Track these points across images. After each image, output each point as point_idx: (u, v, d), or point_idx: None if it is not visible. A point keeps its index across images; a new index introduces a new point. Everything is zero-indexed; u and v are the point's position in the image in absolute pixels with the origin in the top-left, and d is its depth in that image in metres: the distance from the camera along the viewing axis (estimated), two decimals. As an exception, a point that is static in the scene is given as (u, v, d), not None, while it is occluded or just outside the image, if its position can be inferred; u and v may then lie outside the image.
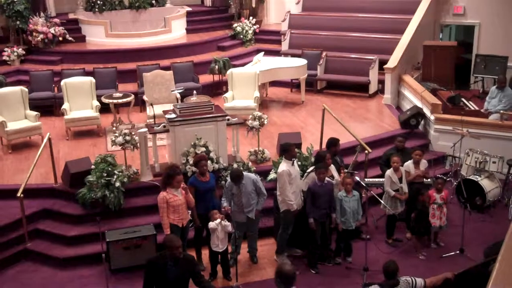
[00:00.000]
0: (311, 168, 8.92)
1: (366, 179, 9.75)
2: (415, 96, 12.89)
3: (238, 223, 8.52)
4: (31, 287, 8.56)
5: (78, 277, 8.73)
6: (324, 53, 15.03)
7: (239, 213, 8.49)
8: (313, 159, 9.50)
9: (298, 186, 8.67)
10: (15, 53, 15.10)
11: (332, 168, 8.90)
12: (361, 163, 10.08)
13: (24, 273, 8.87)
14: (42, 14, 15.88)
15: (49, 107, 13.30)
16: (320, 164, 8.61)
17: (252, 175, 8.72)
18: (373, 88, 14.43)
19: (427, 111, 12.24)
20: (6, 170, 10.73)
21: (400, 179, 9.20)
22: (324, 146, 10.03)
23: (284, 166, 8.50)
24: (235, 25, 17.00)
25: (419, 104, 12.49)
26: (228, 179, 8.59)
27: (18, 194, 8.99)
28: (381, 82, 14.27)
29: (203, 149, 9.87)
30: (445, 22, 15.89)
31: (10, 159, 11.18)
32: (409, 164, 9.50)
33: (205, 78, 14.59)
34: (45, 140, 9.94)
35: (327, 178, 8.57)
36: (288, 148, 8.65)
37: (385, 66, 13.80)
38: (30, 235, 9.28)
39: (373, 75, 14.36)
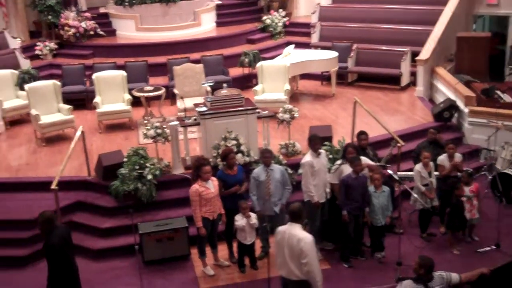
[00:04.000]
0: (339, 162, 8.87)
1: (398, 173, 9.64)
2: (448, 88, 12.70)
3: (264, 217, 8.50)
4: (66, 278, 8.66)
5: (112, 269, 8.83)
6: (354, 45, 14.89)
7: (265, 205, 8.48)
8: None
9: (322, 179, 8.64)
10: (47, 48, 15.29)
11: (365, 160, 8.80)
12: (393, 156, 9.96)
13: (59, 265, 8.99)
14: (73, 8, 16.05)
15: (81, 100, 13.43)
16: (356, 156, 8.54)
17: (280, 166, 8.76)
18: (405, 80, 14.25)
19: (460, 104, 12.04)
20: (41, 162, 10.89)
21: (430, 173, 9.07)
22: (355, 139, 9.93)
23: (308, 157, 8.58)
24: (264, 17, 16.94)
25: (453, 97, 12.30)
26: (256, 169, 8.57)
27: (52, 187, 9.08)
28: (413, 74, 14.08)
29: (234, 142, 9.87)
30: (478, 12, 15.59)
31: (44, 152, 11.34)
32: (443, 158, 9.35)
33: (235, 71, 14.58)
34: (78, 133, 10.04)
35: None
36: (313, 140, 8.67)
37: (417, 58, 13.61)
38: (64, 227, 9.40)
39: (405, 67, 14.18)
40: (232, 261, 8.81)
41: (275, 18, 16.83)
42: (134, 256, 8.24)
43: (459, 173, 9.32)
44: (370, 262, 8.74)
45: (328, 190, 8.78)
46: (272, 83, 12.78)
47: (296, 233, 6.52)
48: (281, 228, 6.71)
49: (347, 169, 8.60)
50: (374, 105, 12.85)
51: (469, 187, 8.88)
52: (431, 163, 9.14)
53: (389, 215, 8.68)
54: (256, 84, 13.17)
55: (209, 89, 12.43)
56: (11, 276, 8.70)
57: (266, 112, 10.56)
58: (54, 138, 11.88)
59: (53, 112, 11.95)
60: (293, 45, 14.57)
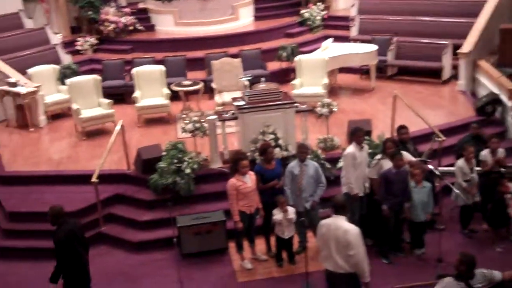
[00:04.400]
0: (379, 156, 8.76)
1: (439, 168, 9.45)
2: (491, 82, 12.39)
3: (301, 212, 8.46)
4: (106, 269, 8.79)
5: (151, 261, 8.93)
6: (394, 38, 14.66)
7: (297, 200, 8.44)
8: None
9: (363, 172, 8.58)
10: (88, 43, 15.53)
11: (406, 155, 8.66)
12: (434, 151, 9.78)
13: (99, 256, 9.11)
14: (113, 4, 16.27)
15: (121, 95, 13.58)
16: (397, 151, 8.42)
17: (315, 162, 8.72)
18: (446, 74, 13.98)
19: (504, 98, 11.74)
20: (81, 156, 11.07)
21: (472, 169, 8.87)
22: (395, 133, 9.79)
23: (351, 148, 8.55)
24: (303, 11, 16.82)
25: (496, 90, 12.01)
26: (291, 163, 8.55)
27: (93, 180, 9.25)
28: (455, 67, 13.79)
29: (272, 136, 9.84)
30: (523, 4, 15.16)
31: (84, 146, 11.51)
32: (485, 153, 9.14)
33: (273, 65, 14.54)
34: (117, 127, 10.15)
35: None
36: (355, 132, 8.62)
37: (459, 51, 13.32)
38: (104, 220, 9.55)
39: (447, 61, 13.90)
40: (269, 255, 8.79)
41: (314, 12, 16.69)
42: (173, 249, 8.31)
43: (502, 169, 9.09)
44: (410, 258, 8.62)
45: (367, 184, 8.69)
46: (310, 77, 12.69)
47: (342, 224, 6.49)
48: (325, 221, 6.67)
49: (386, 164, 8.49)
50: (414, 99, 12.62)
51: (514, 183, 8.67)
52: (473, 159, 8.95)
53: (430, 211, 8.52)
54: (294, 78, 13.10)
55: (247, 83, 12.43)
56: (50, 267, 8.81)
57: (305, 106, 10.49)
58: (94, 132, 12.05)
59: (93, 107, 12.12)
60: (331, 39, 14.43)
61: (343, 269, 6.53)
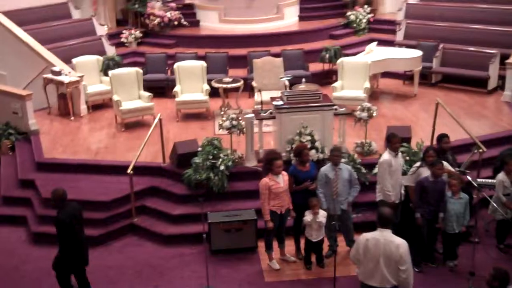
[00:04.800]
0: (418, 164, 8.60)
1: (478, 180, 9.20)
2: (539, 94, 12.03)
3: (333, 215, 8.35)
4: (136, 260, 8.89)
5: (180, 255, 8.96)
6: (441, 45, 14.37)
7: (333, 204, 8.34)
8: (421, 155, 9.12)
9: (398, 179, 8.44)
10: (133, 36, 15.70)
11: (446, 165, 8.46)
12: (474, 162, 9.54)
13: (130, 247, 9.24)
14: (159, -2, 16.39)
15: (161, 88, 13.69)
16: (437, 160, 8.24)
17: (349, 166, 8.63)
18: (492, 83, 13.63)
19: (551, 111, 11.39)
20: (119, 147, 11.20)
21: (512, 183, 8.63)
22: (435, 142, 9.57)
23: (386, 155, 8.42)
24: (348, 13, 16.65)
25: (543, 103, 11.65)
26: (324, 167, 8.48)
27: (128, 171, 9.34)
28: (502, 77, 13.44)
29: (308, 137, 9.76)
30: None
31: (123, 137, 11.64)
32: (527, 167, 8.86)
33: (315, 67, 14.43)
34: (156, 120, 10.22)
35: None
36: (391, 139, 8.47)
37: (507, 61, 12.99)
38: (137, 211, 9.63)
39: (493, 70, 13.56)
40: (298, 257, 8.72)
41: (360, 14, 16.51)
42: (202, 244, 8.31)
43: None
44: (442, 269, 8.42)
45: (402, 191, 8.53)
46: (352, 80, 12.54)
47: (393, 239, 6.33)
48: (371, 236, 6.42)
49: (424, 172, 8.33)
50: (457, 107, 12.35)
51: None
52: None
53: (465, 223, 8.31)
54: (336, 80, 12.97)
55: (287, 83, 12.36)
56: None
57: (344, 109, 10.36)
58: (134, 124, 12.17)
59: (134, 99, 12.24)
60: (376, 42, 14.24)
61: (390, 284, 6.37)
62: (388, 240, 6.31)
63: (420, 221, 8.20)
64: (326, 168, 8.42)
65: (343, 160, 8.88)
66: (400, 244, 6.29)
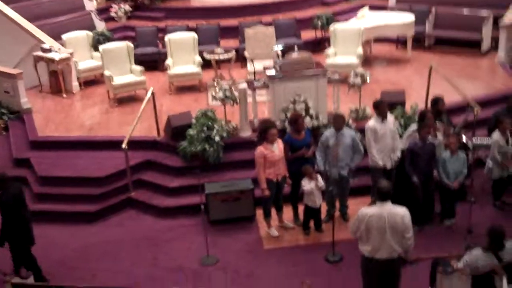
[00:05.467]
0: (413, 127, 8.57)
1: (474, 139, 9.19)
2: (532, 53, 11.97)
3: (332, 180, 8.35)
4: (134, 233, 8.92)
5: (178, 226, 9.00)
6: (433, 8, 14.24)
7: (333, 168, 8.33)
8: (416, 118, 9.10)
9: (387, 144, 8.41)
10: (122, 10, 15.50)
11: (439, 125, 8.46)
12: (469, 123, 9.52)
13: (128, 220, 9.27)
14: (148, -30, 16.15)
15: (153, 62, 13.57)
16: (424, 122, 8.22)
17: (352, 131, 8.55)
18: (485, 45, 13.56)
19: (545, 70, 11.35)
20: (112, 122, 11.15)
21: (507, 141, 8.62)
22: (429, 105, 9.54)
23: (372, 121, 8.45)
24: (340, -21, 16.45)
25: (537, 62, 11.61)
26: (325, 132, 8.43)
27: (123, 146, 9.31)
28: (495, 39, 13.36)
29: (303, 105, 9.72)
30: None
31: (116, 112, 11.58)
32: (519, 125, 8.86)
33: (308, 34, 14.31)
34: (148, 94, 10.16)
35: (430, 138, 8.18)
36: (378, 105, 8.45)
37: (500, 22, 12.86)
38: (133, 185, 9.62)
39: (487, 32, 13.48)
40: (296, 223, 8.76)
41: (351, -20, 16.32)
42: (200, 215, 8.32)
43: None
44: (439, 228, 8.49)
45: (399, 155, 8.51)
46: (344, 47, 12.45)
47: (395, 211, 6.30)
48: (372, 212, 6.32)
49: (421, 136, 8.33)
50: (451, 70, 12.26)
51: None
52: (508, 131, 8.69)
53: (461, 180, 8.32)
54: (329, 47, 12.88)
55: (279, 52, 12.25)
56: (80, 230, 9.03)
57: (337, 75, 10.30)
58: (126, 98, 12.09)
59: (125, 73, 12.14)
60: (367, 7, 14.09)
61: (397, 253, 6.38)
62: (392, 213, 6.26)
63: (417, 183, 8.21)
64: (327, 134, 8.42)
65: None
66: (404, 214, 6.30)
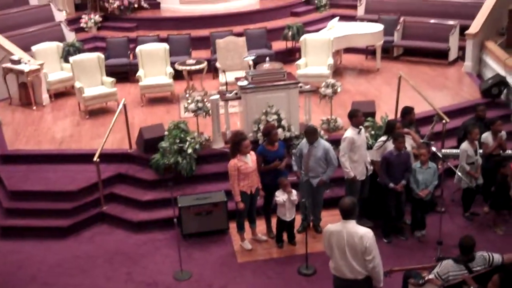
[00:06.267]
0: (383, 138, 8.69)
1: (443, 150, 9.37)
2: (498, 63, 12.23)
3: (305, 191, 8.43)
4: (106, 248, 8.83)
5: (151, 240, 8.94)
6: (401, 18, 14.49)
7: (305, 177, 8.44)
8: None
9: (362, 155, 8.49)
10: (92, 20, 15.41)
11: (407, 138, 8.59)
12: (438, 133, 9.70)
13: (100, 235, 9.17)
14: (118, -20, 16.09)
15: (124, 73, 13.51)
16: (398, 133, 8.34)
17: (327, 143, 8.61)
18: (453, 55, 13.83)
19: (510, 80, 11.60)
20: (84, 135, 11.04)
21: (476, 151, 8.81)
22: (399, 115, 9.69)
23: (349, 132, 8.42)
24: (309, -10, 16.64)
25: (502, 72, 11.86)
26: (302, 141, 8.52)
27: (95, 159, 9.23)
28: (462, 48, 13.64)
29: (275, 116, 9.79)
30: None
31: (87, 124, 11.48)
32: (487, 135, 9.07)
33: (278, 45, 14.42)
34: (120, 106, 10.12)
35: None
36: (355, 114, 8.46)
37: (466, 32, 13.14)
38: (105, 199, 9.55)
39: (453, 42, 13.75)
40: (270, 236, 8.79)
41: (320, -10, 16.51)
42: (173, 229, 8.30)
43: (502, 152, 9.04)
44: (410, 240, 8.60)
45: (370, 167, 8.63)
46: (315, 57, 12.57)
47: (356, 230, 5.99)
48: (334, 228, 6.12)
49: (390, 146, 8.44)
50: (420, 80, 12.49)
51: (520, 166, 8.59)
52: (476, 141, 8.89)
53: (431, 189, 8.45)
54: (299, 58, 12.99)
55: (251, 63, 12.33)
56: (53, 245, 8.91)
57: (308, 86, 10.40)
58: (97, 110, 12.00)
59: (96, 85, 12.06)
60: (337, 18, 14.27)
61: (362, 275, 6.08)
62: (351, 232, 5.98)
63: (398, 188, 8.27)
64: (303, 143, 8.50)
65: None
66: (364, 234, 5.95)
